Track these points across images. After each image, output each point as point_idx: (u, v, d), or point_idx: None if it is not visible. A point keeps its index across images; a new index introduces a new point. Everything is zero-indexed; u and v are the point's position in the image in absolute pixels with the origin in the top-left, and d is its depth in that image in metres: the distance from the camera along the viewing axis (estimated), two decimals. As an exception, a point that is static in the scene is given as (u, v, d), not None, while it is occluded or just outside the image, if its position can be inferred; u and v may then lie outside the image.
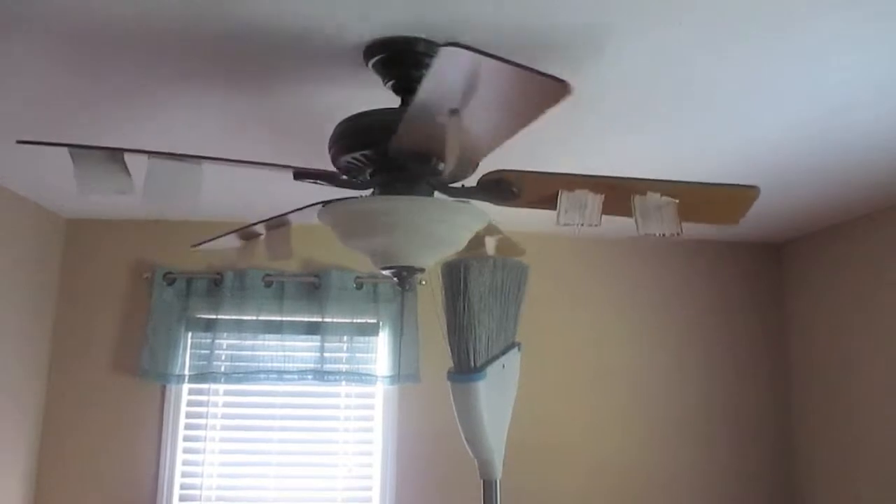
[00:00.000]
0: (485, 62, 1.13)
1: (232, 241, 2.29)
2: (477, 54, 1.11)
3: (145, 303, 3.61)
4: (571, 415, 3.78)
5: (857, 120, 2.28)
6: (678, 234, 1.71)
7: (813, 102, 2.15)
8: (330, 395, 3.69)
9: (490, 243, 2.16)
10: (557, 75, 1.16)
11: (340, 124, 1.73)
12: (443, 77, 1.20)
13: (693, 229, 3.77)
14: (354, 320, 3.66)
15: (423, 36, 1.72)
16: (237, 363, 3.61)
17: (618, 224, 3.29)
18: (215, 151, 2.58)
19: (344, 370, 3.62)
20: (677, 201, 1.73)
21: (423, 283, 3.65)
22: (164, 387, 3.58)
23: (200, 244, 2.39)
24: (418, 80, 1.79)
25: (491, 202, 1.81)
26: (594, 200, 1.71)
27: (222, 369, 3.59)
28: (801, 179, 2.90)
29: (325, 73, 1.92)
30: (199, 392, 3.63)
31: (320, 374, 3.58)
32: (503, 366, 1.88)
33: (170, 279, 3.60)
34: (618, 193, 1.71)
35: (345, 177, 1.77)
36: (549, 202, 1.75)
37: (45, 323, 3.55)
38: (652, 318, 3.92)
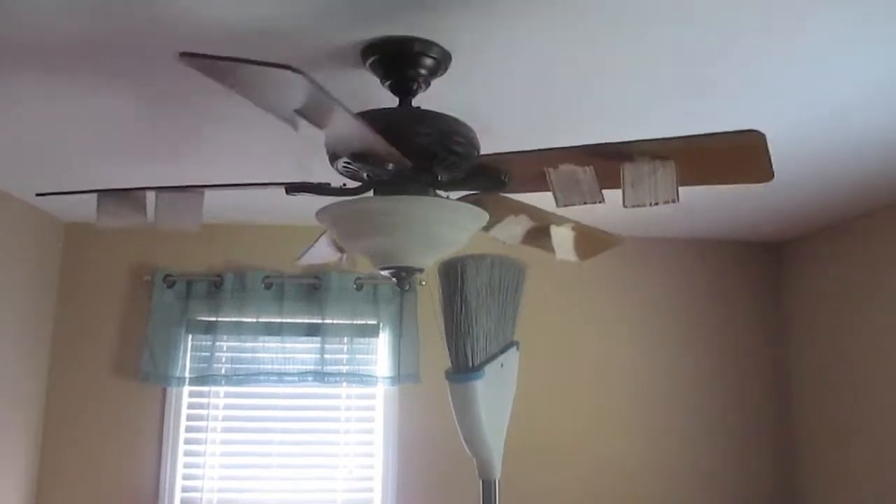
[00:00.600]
0: (220, 65, 1.16)
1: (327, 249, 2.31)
2: (209, 60, 1.14)
3: (145, 305, 3.61)
4: (571, 414, 3.77)
5: (856, 120, 2.28)
6: (674, 200, 1.48)
7: (813, 102, 2.15)
8: (330, 397, 3.69)
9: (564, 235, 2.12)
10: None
11: (339, 124, 1.73)
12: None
13: (694, 228, 3.77)
14: (354, 321, 3.66)
15: (421, 36, 1.72)
16: (238, 365, 3.61)
17: (618, 224, 3.29)
18: (212, 151, 2.59)
19: (344, 371, 3.62)
20: (673, 162, 1.49)
21: (423, 283, 3.65)
22: (164, 389, 3.58)
23: (301, 256, 2.40)
24: (416, 80, 1.81)
25: (485, 191, 1.80)
26: (586, 175, 1.54)
27: (223, 371, 3.60)
28: (801, 179, 2.90)
29: (322, 73, 1.92)
30: (200, 394, 3.63)
31: (321, 376, 3.58)
32: (501, 365, 1.88)
33: (170, 281, 3.60)
34: (607, 163, 1.52)
35: (343, 185, 1.77)
36: (542, 183, 1.68)
37: (46, 326, 3.55)
38: (652, 318, 3.92)
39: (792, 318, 3.96)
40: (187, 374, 3.58)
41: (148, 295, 3.61)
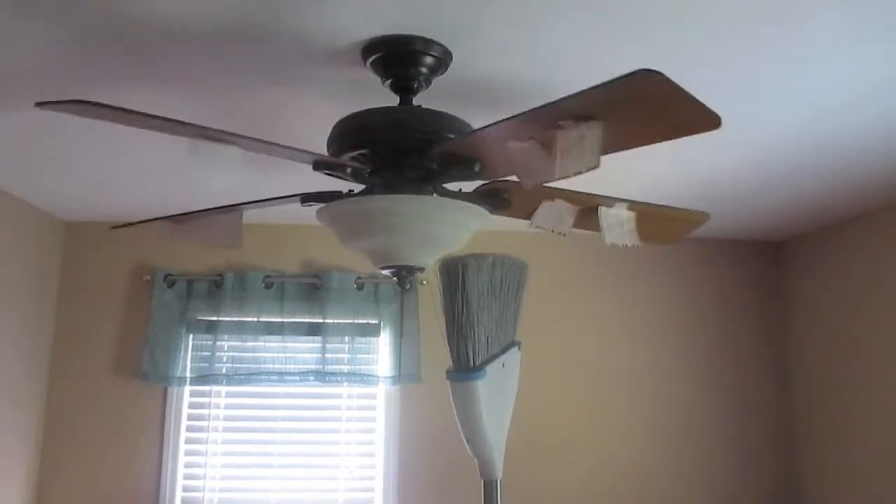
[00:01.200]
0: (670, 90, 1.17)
1: (160, 226, 2.24)
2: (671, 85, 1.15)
3: (146, 305, 3.60)
4: (572, 414, 3.77)
5: (856, 119, 2.28)
6: (638, 245, 1.91)
7: (813, 102, 2.15)
8: (331, 396, 3.69)
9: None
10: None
11: (339, 123, 1.73)
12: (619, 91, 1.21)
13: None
14: (355, 321, 3.65)
15: (421, 34, 1.72)
16: (238, 365, 3.61)
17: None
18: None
19: (345, 371, 3.62)
20: (634, 215, 1.91)
21: (424, 282, 3.65)
22: (165, 389, 3.58)
23: (121, 226, 2.36)
24: (417, 79, 1.80)
25: (484, 208, 1.81)
26: (568, 211, 1.88)
27: (223, 371, 3.59)
28: (802, 178, 2.90)
29: (323, 72, 1.92)
30: (201, 394, 3.62)
31: (322, 376, 3.58)
32: (503, 364, 1.87)
33: (170, 281, 3.60)
34: (590, 208, 1.86)
35: (350, 190, 1.77)
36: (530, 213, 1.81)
37: (46, 326, 3.55)
38: (652, 316, 3.91)
39: (792, 317, 3.95)
40: (188, 374, 3.58)
41: (148, 294, 3.61)
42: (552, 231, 1.88)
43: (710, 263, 4.00)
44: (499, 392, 1.87)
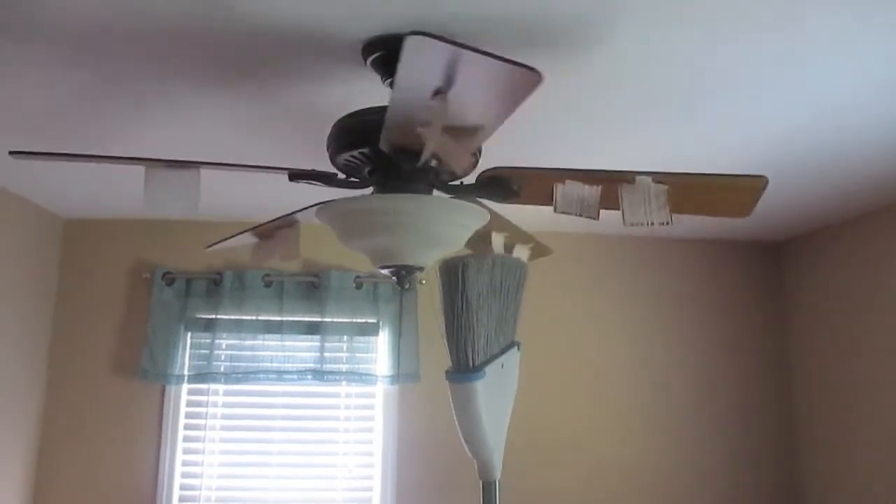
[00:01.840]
0: (453, 51, 1.11)
1: (245, 240, 2.28)
2: (441, 42, 1.10)
3: (144, 303, 3.60)
4: (572, 414, 3.77)
5: (856, 119, 2.27)
6: (668, 223, 1.65)
7: (814, 102, 2.15)
8: (330, 395, 3.68)
9: (499, 241, 2.18)
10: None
11: (338, 122, 1.72)
12: (414, 68, 1.19)
13: (694, 228, 3.76)
14: (354, 320, 3.65)
15: (421, 33, 1.71)
16: (237, 363, 3.60)
17: (618, 222, 3.28)
18: (214, 150, 2.58)
19: (344, 370, 3.61)
20: (667, 188, 1.68)
21: (423, 282, 3.64)
22: (163, 387, 3.57)
23: (214, 245, 2.38)
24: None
25: (491, 199, 1.81)
26: (591, 192, 1.69)
27: (222, 369, 3.58)
28: (802, 178, 2.89)
29: (323, 70, 1.91)
30: (199, 392, 3.62)
31: (320, 374, 3.57)
32: (502, 365, 1.86)
33: (169, 279, 3.59)
34: (614, 187, 1.69)
35: (342, 176, 1.76)
36: (549, 198, 1.74)
37: (44, 323, 3.54)
38: (653, 316, 3.91)
39: (792, 317, 3.95)
40: (186, 372, 3.57)
41: (147, 292, 3.60)
42: (581, 215, 1.73)
43: (710, 264, 4.00)
44: (498, 392, 1.86)
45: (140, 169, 1.63)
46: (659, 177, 1.62)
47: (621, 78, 1.97)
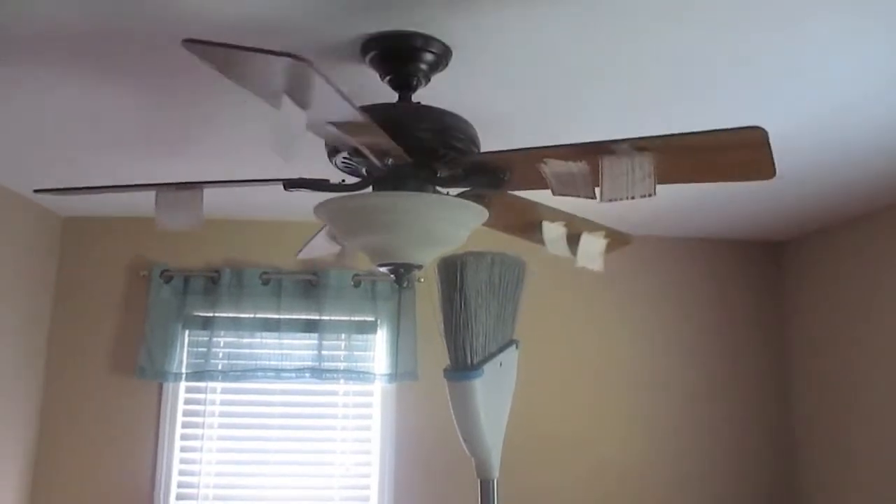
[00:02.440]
0: (221, 53, 1.14)
1: (327, 243, 2.28)
2: (212, 47, 1.13)
3: (142, 301, 3.59)
4: (570, 413, 3.76)
5: (857, 119, 2.27)
6: (651, 195, 1.45)
7: (813, 102, 2.14)
8: (328, 394, 3.68)
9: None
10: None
11: (337, 120, 1.71)
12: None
13: (694, 228, 3.76)
14: (352, 318, 3.65)
15: (421, 31, 1.71)
16: (235, 361, 3.60)
17: (618, 220, 3.28)
18: (213, 148, 2.57)
19: (342, 368, 3.61)
20: (651, 154, 1.47)
21: (422, 280, 3.64)
22: (161, 385, 3.57)
23: (301, 250, 2.36)
24: (416, 76, 1.79)
25: (484, 189, 1.79)
26: (579, 169, 1.52)
27: (220, 367, 3.58)
28: (802, 179, 2.89)
29: (322, 67, 1.90)
30: (197, 390, 3.61)
31: (318, 372, 3.57)
32: (501, 364, 1.86)
33: (167, 277, 3.59)
34: (596, 160, 1.49)
35: (337, 181, 1.76)
36: (540, 182, 1.70)
37: (42, 321, 3.53)
38: (652, 316, 3.91)
39: (792, 317, 3.95)
40: (184, 370, 3.56)
41: (145, 290, 3.60)
42: (580, 195, 1.61)
43: (710, 264, 3.99)
44: (496, 391, 1.86)
45: (140, 166, 1.63)
46: (641, 142, 1.41)
47: (621, 74, 1.97)
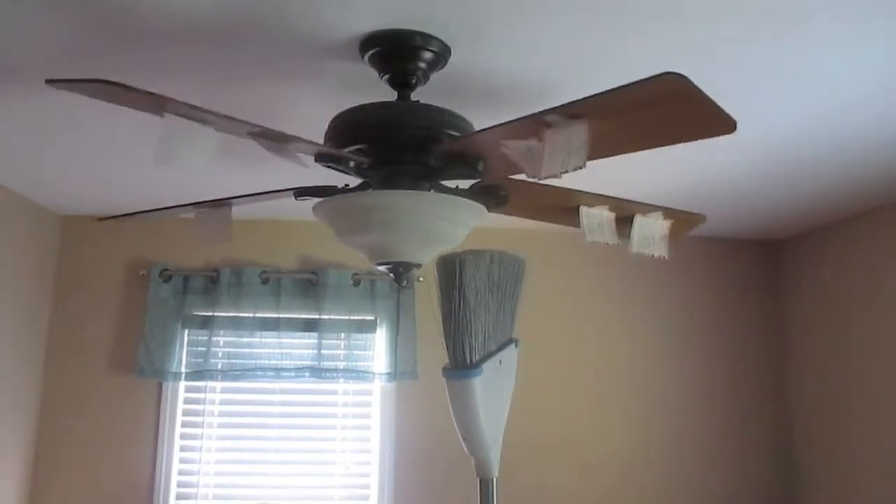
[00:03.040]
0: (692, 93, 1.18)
1: (151, 217, 2.32)
2: (693, 87, 1.16)
3: (141, 300, 3.59)
4: (570, 412, 3.76)
5: (856, 118, 2.27)
6: (582, 166, 1.35)
7: (814, 100, 2.14)
8: (327, 393, 3.68)
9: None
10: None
11: (336, 118, 1.72)
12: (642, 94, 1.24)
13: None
14: (352, 317, 3.64)
15: (420, 29, 1.70)
16: (234, 360, 3.60)
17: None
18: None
19: (341, 367, 3.61)
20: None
21: (421, 279, 3.64)
22: (160, 384, 3.56)
23: (113, 217, 2.32)
24: (414, 74, 1.79)
25: (480, 204, 1.80)
26: (537, 147, 1.43)
27: (219, 367, 3.58)
28: (802, 177, 2.89)
29: (321, 66, 1.90)
30: (196, 389, 3.61)
31: (317, 372, 3.56)
32: (500, 362, 1.86)
33: (166, 276, 3.58)
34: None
35: (346, 185, 1.76)
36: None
37: (41, 321, 3.53)
38: (651, 315, 3.90)
39: (791, 316, 3.95)
40: (183, 370, 3.56)
41: (144, 290, 3.59)
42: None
43: (708, 262, 3.99)
44: (496, 390, 1.86)
45: (137, 165, 1.63)
46: (572, 108, 1.33)
47: (621, 72, 1.96)
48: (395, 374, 3.59)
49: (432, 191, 1.72)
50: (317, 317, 3.60)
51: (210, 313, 3.57)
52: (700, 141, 2.45)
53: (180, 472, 3.53)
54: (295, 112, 2.22)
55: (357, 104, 1.72)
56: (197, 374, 3.55)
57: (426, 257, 1.72)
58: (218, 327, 3.57)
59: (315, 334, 3.60)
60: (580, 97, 1.30)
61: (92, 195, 3.30)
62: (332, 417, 3.66)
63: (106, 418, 3.52)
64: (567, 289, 3.86)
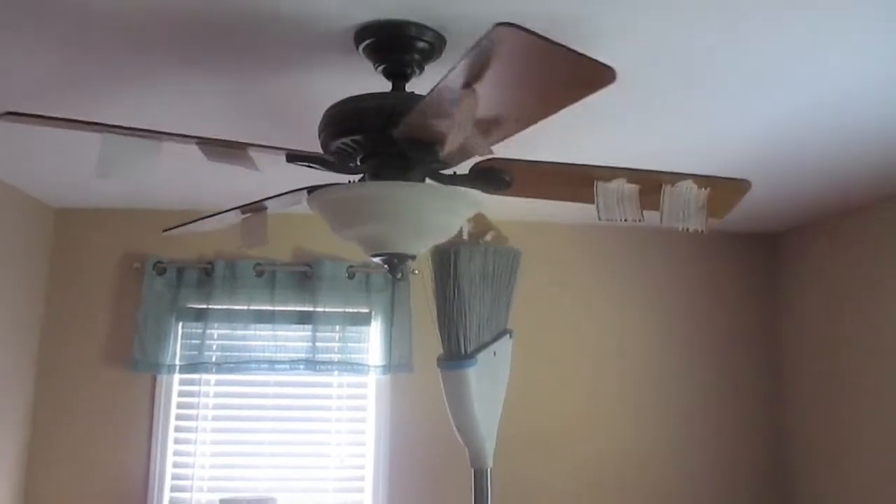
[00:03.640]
0: (534, 43, 1.08)
1: (204, 226, 2.29)
2: (530, 35, 1.06)
3: (136, 293, 3.58)
4: (565, 403, 3.77)
5: (854, 112, 2.27)
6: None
7: (812, 93, 2.14)
8: (322, 385, 3.68)
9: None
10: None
11: (330, 109, 1.71)
12: (485, 58, 1.15)
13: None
14: (346, 310, 3.64)
15: (414, 19, 1.70)
16: (228, 353, 3.59)
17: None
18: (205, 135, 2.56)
19: (336, 360, 3.61)
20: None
21: (416, 272, 3.63)
22: (154, 377, 3.55)
23: (171, 229, 2.35)
24: (409, 65, 1.78)
25: (482, 190, 1.80)
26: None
27: (213, 359, 3.57)
28: (799, 170, 2.89)
29: (315, 57, 1.90)
30: (190, 382, 3.61)
31: (312, 364, 3.56)
32: (494, 353, 1.87)
33: (160, 269, 3.57)
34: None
35: (350, 181, 1.75)
36: (540, 191, 1.73)
37: (35, 314, 3.52)
38: (647, 308, 3.91)
39: (788, 310, 3.96)
40: (177, 362, 3.56)
41: (138, 282, 3.58)
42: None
43: (706, 254, 4.00)
44: (490, 380, 1.86)
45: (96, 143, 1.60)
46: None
47: (619, 68, 1.96)
48: (389, 367, 3.59)
49: (427, 181, 1.72)
50: (311, 309, 3.60)
51: (204, 306, 3.56)
52: (699, 133, 2.45)
53: (175, 465, 3.53)
54: (289, 102, 2.22)
55: (351, 95, 1.72)
56: (191, 366, 3.55)
57: (421, 248, 1.72)
58: (212, 320, 3.56)
59: (310, 327, 3.60)
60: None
61: (86, 187, 3.29)
62: (326, 410, 3.66)
63: (100, 411, 3.51)
64: (563, 281, 3.86)
